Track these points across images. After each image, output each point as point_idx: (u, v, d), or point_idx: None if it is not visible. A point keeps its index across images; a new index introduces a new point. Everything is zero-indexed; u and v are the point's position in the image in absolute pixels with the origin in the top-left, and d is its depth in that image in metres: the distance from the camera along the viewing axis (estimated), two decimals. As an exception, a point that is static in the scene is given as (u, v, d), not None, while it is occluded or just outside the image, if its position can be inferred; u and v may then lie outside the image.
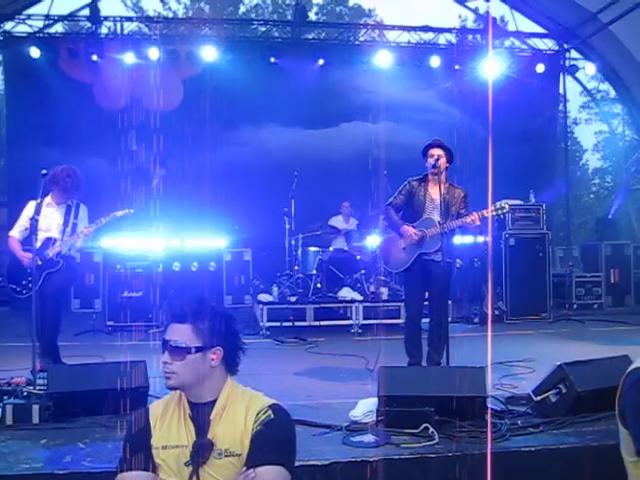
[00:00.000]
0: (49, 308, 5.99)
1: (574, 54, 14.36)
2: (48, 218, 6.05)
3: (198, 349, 2.27)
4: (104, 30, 12.88)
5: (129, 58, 12.23)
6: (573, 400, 4.17)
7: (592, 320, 9.89)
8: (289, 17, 21.64)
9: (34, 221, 5.62)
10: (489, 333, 7.93)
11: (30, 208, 5.94)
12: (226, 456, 2.22)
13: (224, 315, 2.41)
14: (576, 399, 4.16)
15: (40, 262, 5.83)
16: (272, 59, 12.84)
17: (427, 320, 6.10)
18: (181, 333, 2.28)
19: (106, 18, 12.83)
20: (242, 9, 31.18)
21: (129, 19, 13.70)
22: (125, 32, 13.02)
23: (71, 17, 13.27)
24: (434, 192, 5.95)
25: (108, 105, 11.16)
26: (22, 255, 5.93)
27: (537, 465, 3.68)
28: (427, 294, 6.10)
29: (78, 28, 13.75)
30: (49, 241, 6.02)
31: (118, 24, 13.00)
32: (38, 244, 5.87)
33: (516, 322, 9.83)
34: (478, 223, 5.71)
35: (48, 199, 6.10)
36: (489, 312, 9.77)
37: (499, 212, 5.76)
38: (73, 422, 4.16)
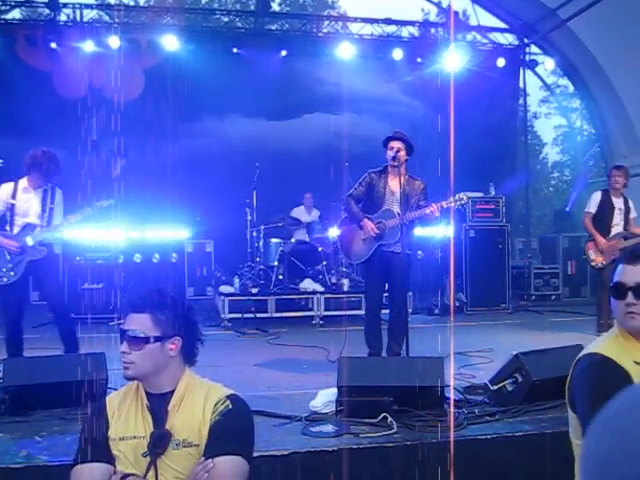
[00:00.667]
0: (61, 301, 5.94)
1: (534, 49, 14.57)
2: (25, 203, 5.82)
3: (157, 339, 2.27)
4: (63, 17, 12.65)
5: (89, 46, 12.02)
6: (528, 389, 4.26)
7: (550, 311, 10.10)
8: (252, 7, 21.54)
9: (10, 205, 5.52)
10: (451, 324, 8.04)
11: (5, 192, 5.79)
12: (184, 446, 2.21)
13: (183, 305, 2.41)
14: (531, 388, 4.24)
15: (20, 249, 5.68)
16: (235, 49, 12.75)
17: (387, 311, 6.16)
18: (140, 323, 2.27)
19: (65, 5, 12.59)
20: (205, -2, 30.87)
21: (89, 6, 13.45)
22: (85, 19, 12.80)
23: (29, 3, 12.99)
24: (394, 184, 5.99)
25: (68, 94, 10.97)
26: (7, 243, 5.66)
27: (493, 453, 3.75)
28: (387, 285, 6.14)
29: (36, 15, 13.51)
30: (29, 226, 5.77)
31: (78, 11, 12.77)
32: (17, 229, 5.76)
33: (476, 313, 9.98)
34: (437, 214, 5.77)
35: (24, 183, 5.85)
36: (451, 303, 9.89)
37: (458, 203, 5.83)
38: (30, 415, 4.10)
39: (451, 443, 3.58)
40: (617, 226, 7.81)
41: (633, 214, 7.97)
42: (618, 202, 7.88)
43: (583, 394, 2.32)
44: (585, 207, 8.07)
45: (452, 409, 4.09)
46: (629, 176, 8.08)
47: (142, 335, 2.25)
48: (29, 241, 5.72)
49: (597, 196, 7.95)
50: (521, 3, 13.48)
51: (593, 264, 7.81)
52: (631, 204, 7.98)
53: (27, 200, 5.86)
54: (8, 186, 5.84)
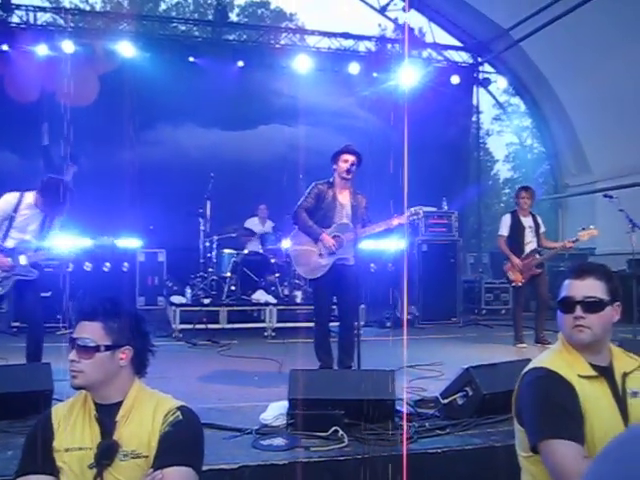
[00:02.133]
0: (39, 323, 5.77)
1: (487, 68, 14.86)
2: (26, 219, 5.65)
3: (107, 347, 2.24)
4: (15, 19, 12.40)
5: (42, 50, 11.82)
6: (479, 402, 4.30)
7: (500, 325, 10.23)
8: (210, 17, 21.46)
9: (10, 217, 5.37)
10: (403, 337, 8.09)
11: (8, 202, 5.60)
12: (132, 458, 2.18)
13: (135, 315, 2.39)
14: (482, 401, 4.28)
15: (11, 267, 5.54)
16: (191, 58, 12.70)
17: (337, 324, 6.15)
18: (91, 331, 2.24)
19: (18, 7, 12.35)
20: (163, 6, 30.70)
21: (43, 9, 13.25)
22: (38, 22, 12.58)
23: (-20, 4, 12.73)
24: (343, 197, 6.02)
25: (19, 98, 10.75)
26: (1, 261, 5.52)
27: (443, 466, 3.77)
28: (336, 298, 6.14)
29: (-13, 16, 13.22)
30: (23, 244, 5.62)
31: (31, 14, 12.54)
32: (11, 243, 5.60)
33: (427, 326, 10.06)
34: (393, 226, 5.81)
35: (30, 198, 5.67)
36: (404, 316, 9.96)
37: (414, 217, 5.89)
38: (-29, 427, 3.99)
39: (404, 456, 3.59)
40: (531, 243, 8.30)
41: (542, 229, 8.46)
42: (527, 221, 8.37)
43: (529, 407, 2.36)
44: (498, 231, 8.42)
45: (405, 422, 4.11)
46: (535, 197, 8.61)
47: (92, 344, 2.22)
48: (22, 260, 5.56)
49: (507, 219, 8.46)
50: (476, 22, 13.74)
51: (514, 284, 8.30)
52: (539, 220, 8.52)
53: (28, 217, 5.67)
54: (13, 197, 5.63)
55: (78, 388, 2.27)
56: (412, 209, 5.87)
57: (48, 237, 5.82)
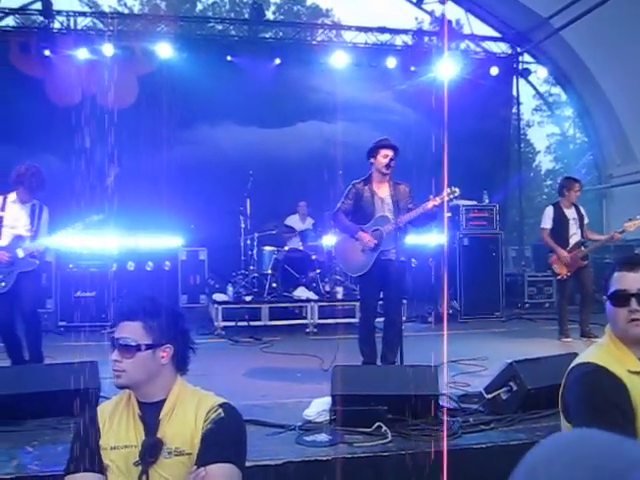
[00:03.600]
0: (34, 311, 5.99)
1: (527, 58, 14.65)
2: (14, 215, 5.94)
3: (148, 346, 2.26)
4: (57, 25, 12.63)
5: (82, 54, 12.02)
6: (523, 397, 4.25)
7: (543, 319, 10.08)
8: (246, 15, 21.57)
9: (0, 219, 5.56)
10: (444, 332, 8.03)
11: None
12: (176, 455, 2.20)
13: (174, 313, 2.41)
14: (526, 396, 4.23)
15: (11, 259, 5.77)
16: (228, 57, 12.78)
17: (381, 319, 6.14)
18: (131, 330, 2.26)
19: (59, 12, 12.59)
20: (199, 6, 30.99)
21: (83, 14, 13.48)
22: (79, 27, 12.80)
23: (23, 11, 12.99)
24: (382, 191, 5.99)
25: (61, 101, 10.94)
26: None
27: (488, 462, 3.73)
28: (381, 293, 6.12)
29: (30, 22, 13.50)
30: (18, 239, 5.89)
31: (72, 19, 12.78)
32: (6, 240, 5.85)
33: (470, 321, 9.97)
34: (437, 202, 5.74)
35: (13, 196, 5.99)
36: (444, 311, 9.90)
37: (451, 196, 5.82)
38: (21, 425, 4.07)
39: (444, 452, 3.57)
40: (575, 236, 8.17)
41: (586, 220, 8.31)
42: (571, 213, 8.23)
43: (577, 403, 2.31)
44: (541, 224, 8.30)
45: (445, 417, 4.08)
46: (582, 188, 8.51)
47: (133, 343, 2.24)
48: (20, 253, 5.84)
49: (550, 211, 8.34)
50: (514, 12, 13.54)
51: (559, 277, 8.20)
52: (583, 211, 8.37)
53: (16, 213, 5.99)
54: None
55: (121, 387, 2.30)
56: (448, 188, 5.80)
57: (41, 227, 6.04)
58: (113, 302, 8.94)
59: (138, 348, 2.25)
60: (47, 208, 6.18)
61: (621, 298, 2.36)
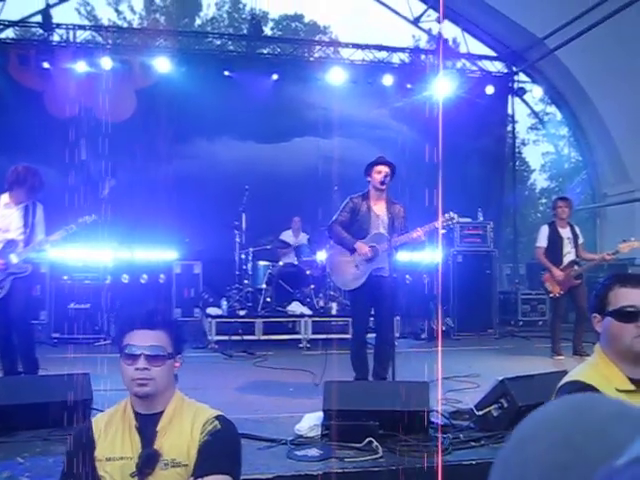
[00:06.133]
0: (24, 318, 5.88)
1: (522, 77, 14.76)
2: (6, 218, 5.83)
3: (170, 355, 2.30)
4: (56, 38, 12.70)
5: (81, 67, 12.07)
6: (514, 414, 4.26)
7: (537, 336, 10.11)
8: (244, 31, 21.70)
9: None
10: (439, 348, 8.04)
11: None
12: (172, 467, 2.21)
13: (181, 324, 2.50)
14: (517, 413, 4.24)
15: (4, 266, 5.69)
16: (226, 72, 12.83)
17: (374, 335, 6.16)
18: (157, 338, 2.28)
19: (58, 25, 12.65)
20: (198, 21, 31.14)
21: (82, 27, 13.55)
22: (78, 40, 12.86)
23: (22, 23, 13.08)
24: (378, 208, 6.03)
25: (59, 113, 10.97)
26: None
27: (478, 478, 3.73)
28: (373, 310, 6.14)
29: (30, 34, 13.57)
30: (11, 243, 5.78)
31: (71, 32, 12.83)
32: None
33: (463, 338, 9.99)
34: (423, 238, 5.82)
35: (5, 198, 5.88)
36: (438, 327, 9.91)
37: (448, 223, 5.90)
38: (12, 436, 4.07)
39: (439, 468, 3.58)
40: (569, 254, 8.22)
41: (581, 240, 8.36)
42: (565, 232, 8.29)
43: None
44: (536, 242, 8.37)
45: (440, 434, 4.10)
46: (572, 207, 8.57)
47: (163, 352, 2.27)
48: (13, 259, 5.73)
49: (545, 230, 8.40)
50: (510, 32, 13.67)
51: (551, 295, 8.26)
52: (578, 230, 8.42)
53: (8, 216, 5.86)
54: None
55: (145, 396, 2.27)
56: (446, 214, 5.87)
57: (35, 231, 5.93)
58: (115, 312, 8.94)
59: (167, 356, 2.28)
60: (41, 205, 6.04)
61: (629, 314, 2.34)
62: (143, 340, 2.27)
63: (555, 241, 8.22)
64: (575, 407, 0.71)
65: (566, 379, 2.43)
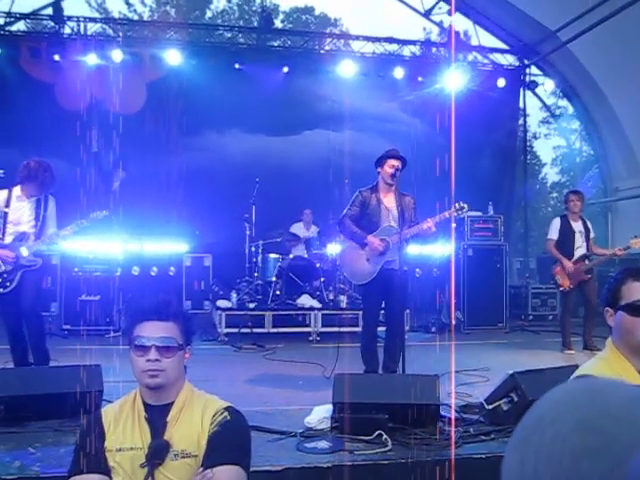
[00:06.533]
0: (34, 309, 5.91)
1: (534, 70, 14.66)
2: (18, 211, 5.87)
3: (181, 347, 2.32)
4: (67, 30, 12.71)
5: (92, 59, 12.07)
6: (524, 408, 4.19)
7: (547, 331, 10.08)
8: (255, 24, 21.66)
9: (3, 214, 5.54)
10: (452, 342, 8.04)
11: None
12: (182, 457, 2.23)
13: (190, 316, 2.48)
14: (527, 407, 4.12)
15: (15, 258, 5.73)
16: (237, 65, 12.81)
17: (384, 328, 6.15)
18: (168, 330, 2.30)
19: (69, 18, 12.66)
20: (208, 14, 31.16)
21: (93, 20, 13.55)
22: (89, 33, 12.86)
23: (34, 16, 13.09)
24: (388, 201, 6.01)
25: (69, 106, 10.99)
26: (3, 254, 5.70)
27: (488, 472, 3.73)
28: (384, 303, 6.13)
29: (41, 27, 13.59)
30: (22, 236, 5.83)
31: (82, 24, 12.84)
32: (10, 238, 5.79)
33: (473, 332, 9.96)
34: (434, 229, 5.79)
35: (17, 191, 5.90)
36: (450, 321, 9.91)
37: (459, 212, 5.88)
38: (24, 426, 4.09)
39: (452, 461, 3.57)
40: (580, 248, 8.20)
41: (592, 234, 8.34)
42: (577, 225, 8.26)
43: None
44: (547, 234, 8.38)
45: (453, 427, 4.09)
46: (584, 200, 8.51)
47: (174, 343, 2.29)
48: (24, 251, 5.75)
49: (557, 222, 8.36)
50: (522, 25, 13.58)
51: (562, 288, 8.21)
52: (589, 225, 8.39)
53: (20, 209, 5.89)
54: (2, 194, 5.88)
55: (157, 387, 2.29)
56: (456, 204, 5.85)
57: (47, 224, 5.96)
58: (125, 304, 8.96)
59: (178, 347, 2.30)
60: (53, 199, 6.08)
61: None
62: (154, 331, 2.28)
63: (567, 234, 8.19)
64: (595, 390, 0.70)
65: (577, 373, 2.42)
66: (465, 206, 5.87)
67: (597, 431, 0.64)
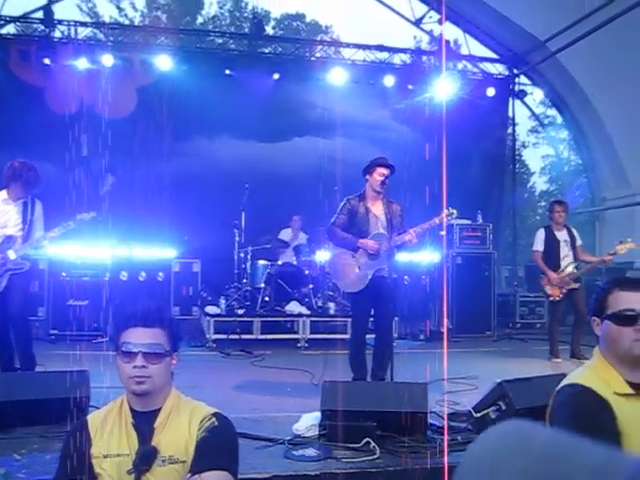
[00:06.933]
0: (21, 314, 5.88)
1: (523, 79, 14.75)
2: (5, 214, 5.86)
3: (168, 353, 2.31)
4: (58, 34, 12.67)
5: (82, 63, 12.05)
6: (512, 417, 4.23)
7: (535, 339, 10.11)
8: (246, 30, 21.69)
9: None
10: (445, 350, 8.04)
11: None
12: (170, 463, 2.21)
13: (178, 322, 2.48)
14: (515, 416, 4.23)
15: (2, 261, 5.71)
16: (227, 71, 12.82)
17: (372, 336, 6.15)
18: (156, 336, 2.28)
19: (60, 22, 12.63)
20: (199, 20, 31.18)
21: (84, 24, 13.53)
22: (79, 37, 12.83)
23: (24, 19, 13.04)
24: (376, 209, 6.02)
25: (59, 110, 10.94)
26: None
27: (475, 480, 3.73)
28: (373, 310, 6.13)
29: (31, 30, 13.53)
30: (9, 239, 5.81)
31: (72, 28, 12.80)
32: None
33: (461, 340, 9.97)
34: (415, 240, 5.82)
35: (4, 195, 5.91)
36: (439, 329, 9.93)
37: (449, 218, 5.90)
38: (9, 432, 4.07)
39: (445, 468, 3.57)
40: (567, 257, 8.25)
41: (579, 242, 8.38)
42: (562, 235, 8.32)
43: (563, 424, 2.31)
44: (532, 246, 8.46)
45: (446, 435, 4.09)
46: (569, 210, 8.57)
47: (161, 349, 2.27)
48: (11, 255, 5.74)
49: (541, 233, 8.44)
50: (511, 34, 13.67)
51: (551, 298, 8.26)
52: (575, 233, 8.42)
53: (7, 212, 5.89)
54: None
55: (143, 394, 2.27)
56: (445, 210, 5.87)
57: (34, 227, 5.96)
58: (113, 309, 8.92)
59: (165, 354, 2.29)
60: (40, 202, 6.08)
61: (628, 318, 2.33)
62: (140, 338, 2.27)
63: (552, 244, 8.24)
64: (526, 436, 0.70)
65: (565, 382, 2.43)
66: (454, 212, 5.90)
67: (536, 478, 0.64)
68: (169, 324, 2.35)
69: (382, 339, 5.92)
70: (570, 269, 8.12)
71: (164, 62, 12.39)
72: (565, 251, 8.20)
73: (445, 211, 5.88)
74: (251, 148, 12.66)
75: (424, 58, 15.03)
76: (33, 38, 12.93)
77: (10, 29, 13.12)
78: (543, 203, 30.22)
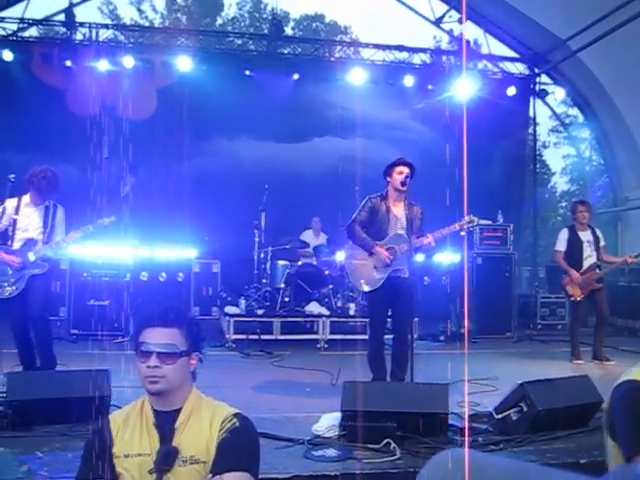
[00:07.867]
0: (41, 314, 5.97)
1: (544, 79, 14.63)
2: (27, 218, 5.99)
3: (184, 353, 2.31)
4: (79, 36, 12.77)
5: (103, 65, 12.14)
6: (533, 418, 4.23)
7: (555, 340, 10.02)
8: (265, 31, 21.71)
9: (13, 220, 5.60)
10: (465, 351, 8.01)
11: (10, 206, 5.95)
12: (191, 463, 2.22)
13: (198, 322, 2.47)
14: (536, 417, 4.21)
15: (21, 264, 5.81)
16: (247, 72, 12.85)
17: (391, 336, 6.12)
18: (170, 336, 2.29)
19: (81, 24, 12.73)
20: (219, 21, 31.30)
21: (105, 26, 13.61)
22: (100, 39, 12.92)
23: (46, 22, 13.17)
24: (397, 209, 6.01)
25: (81, 112, 11.03)
26: (9, 259, 5.81)
27: (496, 482, 3.70)
28: (390, 311, 6.10)
29: (53, 33, 13.66)
30: (30, 242, 5.93)
31: (94, 31, 12.89)
32: (18, 244, 5.91)
33: (481, 341, 9.91)
34: (433, 244, 5.80)
35: (26, 199, 6.04)
36: (459, 329, 9.88)
37: (468, 226, 5.88)
38: (32, 430, 4.10)
39: (466, 470, 3.54)
40: (590, 258, 8.14)
41: (602, 242, 8.28)
42: (585, 235, 8.22)
43: (622, 421, 2.28)
44: (555, 246, 8.34)
45: (467, 437, 4.07)
46: (592, 210, 8.47)
47: (175, 349, 2.29)
48: (31, 257, 5.87)
49: (564, 233, 8.33)
50: (532, 33, 13.56)
51: (572, 298, 8.15)
52: (599, 233, 8.32)
53: (28, 215, 6.03)
54: (13, 201, 6.02)
55: (157, 393, 2.29)
56: (466, 217, 5.84)
57: (55, 232, 6.07)
58: (133, 309, 8.97)
59: (180, 354, 2.30)
60: (62, 207, 6.20)
61: None
62: (156, 338, 2.28)
63: (575, 244, 8.15)
64: (479, 467, 0.70)
65: (624, 377, 2.40)
66: (475, 219, 5.88)
67: None
68: (187, 324, 2.36)
69: (400, 339, 5.89)
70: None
71: (184, 63, 12.44)
72: (588, 251, 8.11)
73: (466, 218, 5.85)
74: (271, 148, 12.69)
75: (444, 58, 14.98)
76: (55, 40, 13.06)
77: (32, 32, 13.31)
78: (564, 203, 30.00)
